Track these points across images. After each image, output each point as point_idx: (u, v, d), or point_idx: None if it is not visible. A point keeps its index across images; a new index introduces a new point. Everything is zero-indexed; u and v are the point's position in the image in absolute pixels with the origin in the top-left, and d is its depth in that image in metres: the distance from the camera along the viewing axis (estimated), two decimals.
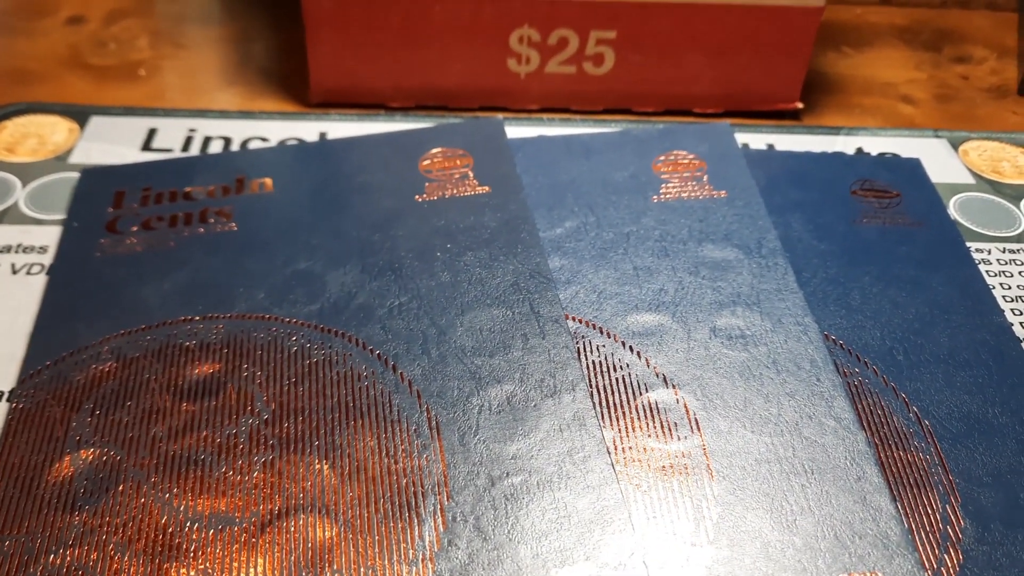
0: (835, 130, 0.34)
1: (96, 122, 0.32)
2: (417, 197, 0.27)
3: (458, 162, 0.29)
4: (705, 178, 0.28)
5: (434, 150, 0.29)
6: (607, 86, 0.34)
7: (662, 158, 0.29)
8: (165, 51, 0.36)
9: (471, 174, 0.28)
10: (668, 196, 0.28)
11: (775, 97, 0.34)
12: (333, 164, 0.28)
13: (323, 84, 0.33)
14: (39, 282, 0.25)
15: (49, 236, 0.27)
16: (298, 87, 0.34)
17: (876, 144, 0.34)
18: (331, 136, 0.32)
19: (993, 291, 0.27)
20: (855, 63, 0.39)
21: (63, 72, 0.35)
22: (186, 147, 0.31)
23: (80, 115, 0.32)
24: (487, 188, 0.27)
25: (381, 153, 0.29)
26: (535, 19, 0.32)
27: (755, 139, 0.33)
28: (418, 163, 0.28)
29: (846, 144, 0.34)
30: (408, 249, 0.25)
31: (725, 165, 0.29)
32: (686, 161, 0.29)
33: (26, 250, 0.26)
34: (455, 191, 0.27)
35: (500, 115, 0.34)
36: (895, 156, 0.33)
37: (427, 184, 0.28)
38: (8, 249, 0.26)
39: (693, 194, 0.28)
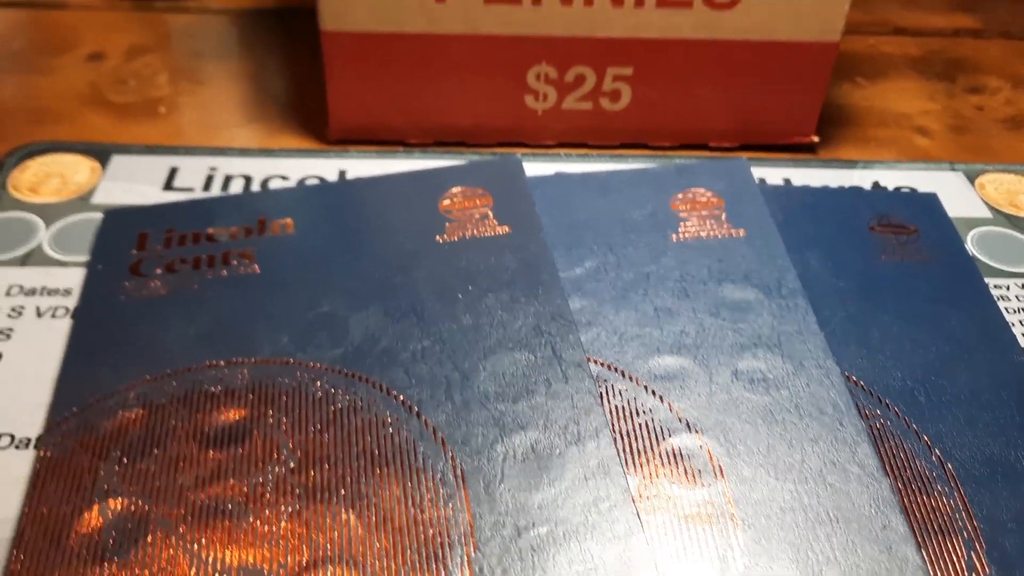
0: (851, 163, 0.34)
1: (118, 161, 0.32)
2: (438, 238, 0.27)
3: (478, 201, 0.29)
4: (723, 216, 0.29)
5: (454, 189, 0.29)
6: (624, 122, 0.34)
7: (680, 196, 0.29)
8: (184, 87, 0.36)
9: (491, 214, 0.28)
10: (687, 235, 0.28)
11: (791, 131, 0.35)
12: (354, 204, 0.28)
13: (342, 122, 0.33)
14: (64, 326, 0.25)
15: (73, 278, 0.27)
16: (317, 123, 0.35)
17: (892, 178, 0.34)
18: (351, 174, 0.32)
19: (1012, 328, 0.27)
20: (870, 94, 0.39)
21: (84, 110, 0.35)
22: (207, 186, 0.31)
23: (102, 154, 0.32)
24: (507, 228, 0.27)
25: (401, 193, 0.29)
26: (552, 56, 0.32)
27: (772, 173, 0.33)
28: (438, 203, 0.29)
29: (863, 178, 0.34)
30: (430, 291, 0.25)
31: (743, 203, 0.29)
32: (704, 199, 0.29)
33: (50, 293, 0.27)
34: (475, 231, 0.27)
35: (518, 151, 0.34)
36: (912, 190, 0.33)
37: (447, 224, 0.28)
38: (33, 292, 0.27)
39: (712, 233, 0.28)
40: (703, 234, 0.28)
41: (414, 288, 0.25)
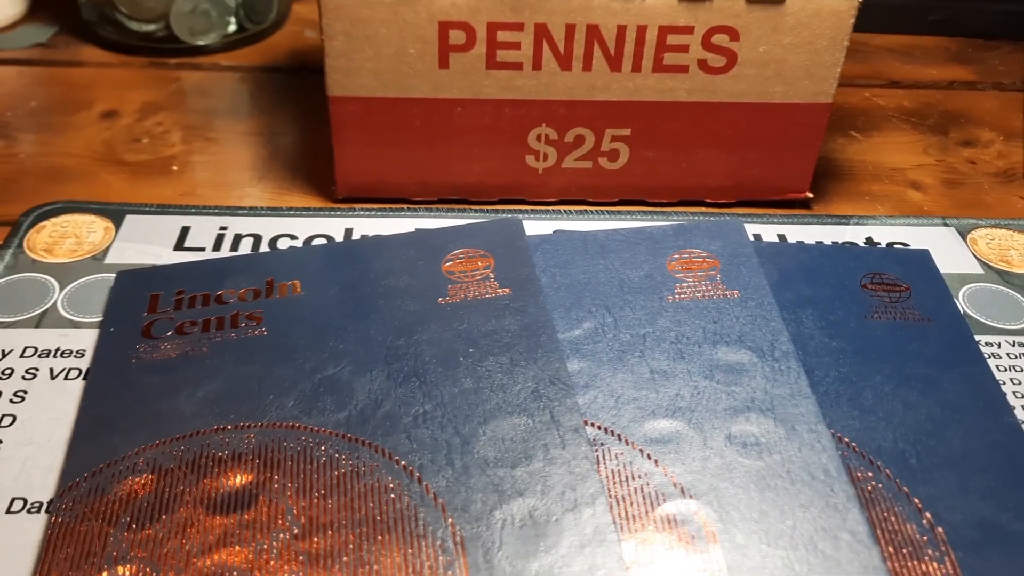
0: (845, 219, 0.35)
1: (131, 221, 0.33)
2: (440, 300, 0.28)
3: (479, 263, 0.30)
4: (718, 277, 0.29)
5: (456, 251, 0.30)
6: (622, 180, 0.35)
7: (676, 256, 0.30)
8: (196, 145, 0.38)
9: (492, 275, 0.29)
10: (683, 296, 0.29)
11: (786, 188, 0.35)
12: (359, 266, 0.29)
13: (349, 181, 0.34)
14: (76, 388, 0.26)
15: (86, 339, 0.28)
16: (325, 180, 0.36)
17: (886, 233, 0.34)
18: (357, 233, 0.33)
19: (1004, 387, 0.28)
20: (864, 148, 0.40)
21: (98, 169, 0.36)
22: (218, 245, 0.32)
23: (115, 214, 0.33)
24: (507, 290, 0.28)
25: (405, 254, 0.30)
26: (552, 119, 0.33)
27: (767, 230, 0.34)
28: (441, 264, 0.29)
29: (856, 233, 0.34)
30: (432, 354, 0.26)
31: (737, 264, 0.30)
32: (700, 259, 0.30)
33: (64, 354, 0.27)
34: (477, 293, 0.28)
35: (519, 207, 0.35)
36: (904, 247, 0.33)
37: (450, 286, 0.29)
38: (47, 353, 0.27)
39: (707, 294, 0.28)
40: (698, 295, 0.29)
41: (417, 351, 0.26)
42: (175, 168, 0.36)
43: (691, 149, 0.34)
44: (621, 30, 0.31)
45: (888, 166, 0.39)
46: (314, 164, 0.37)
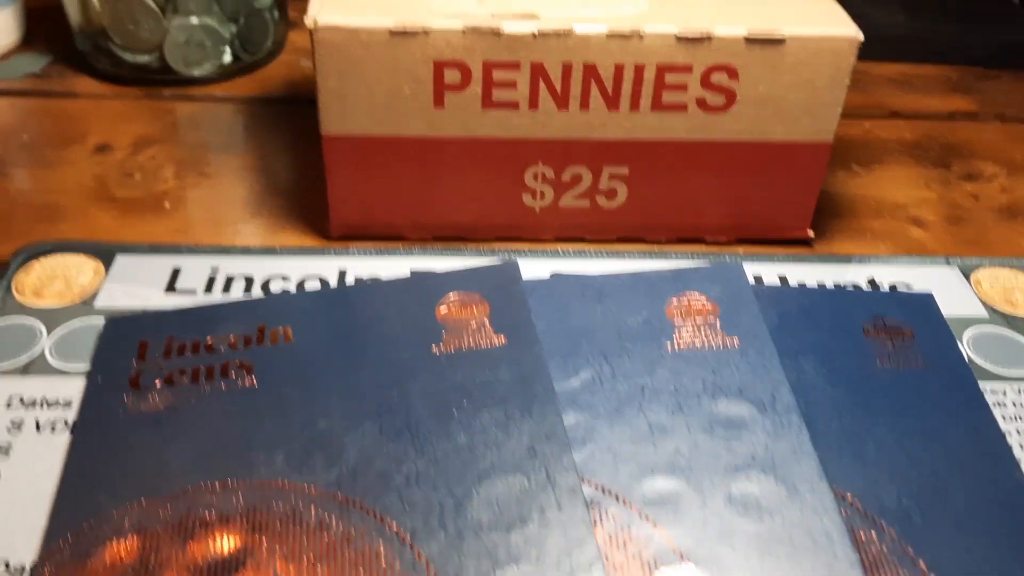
0: (846, 259, 0.34)
1: (121, 261, 0.32)
2: (434, 348, 0.27)
3: (475, 309, 0.29)
4: (718, 324, 0.29)
5: (451, 296, 0.29)
6: (620, 218, 0.34)
7: (675, 301, 0.30)
8: (189, 180, 0.37)
9: (487, 322, 0.28)
10: (682, 344, 0.28)
11: (786, 226, 0.35)
12: (352, 311, 0.29)
13: (342, 220, 0.34)
14: (62, 441, 0.26)
15: (73, 389, 0.27)
16: (319, 216, 0.35)
17: (888, 273, 0.34)
18: (351, 273, 0.32)
19: (1009, 438, 0.27)
20: (865, 182, 0.39)
21: (90, 206, 0.36)
22: (209, 287, 0.31)
23: (106, 254, 0.33)
24: (503, 339, 0.28)
25: (399, 299, 0.29)
26: (549, 158, 0.33)
27: (767, 270, 0.34)
28: (435, 309, 0.29)
29: (858, 273, 0.34)
30: (425, 407, 0.25)
31: (737, 309, 0.29)
32: (699, 305, 0.29)
33: (50, 405, 0.27)
34: (471, 342, 0.28)
35: (516, 246, 0.34)
36: (907, 289, 0.33)
37: (444, 333, 0.28)
38: (33, 404, 0.27)
39: (706, 342, 0.28)
40: (697, 343, 0.28)
41: (410, 403, 0.25)
42: (167, 205, 0.36)
43: (690, 187, 0.34)
44: (619, 69, 0.31)
45: (890, 201, 0.38)
46: (309, 198, 0.36)
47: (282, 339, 0.28)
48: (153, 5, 0.40)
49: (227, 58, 0.43)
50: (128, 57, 0.42)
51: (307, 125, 0.41)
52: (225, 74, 0.44)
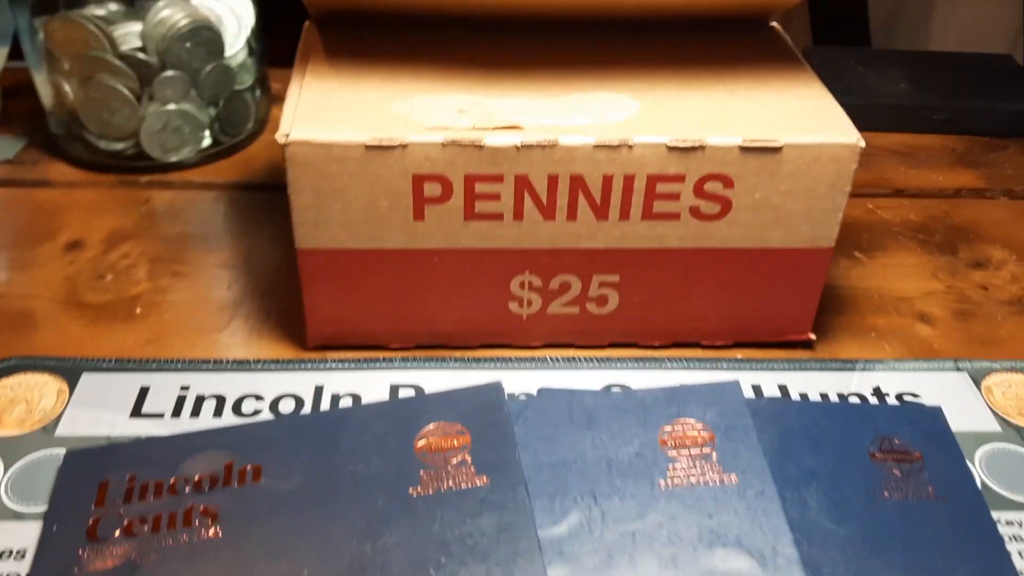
0: (850, 364, 0.33)
1: (87, 380, 0.31)
2: (411, 490, 0.26)
3: (455, 440, 0.27)
4: (714, 456, 0.27)
5: (430, 426, 0.28)
6: (612, 324, 0.33)
7: (668, 428, 0.28)
8: (163, 282, 0.36)
9: (469, 459, 0.27)
10: (676, 481, 0.26)
11: (786, 330, 0.33)
12: (326, 445, 0.27)
13: (320, 331, 0.32)
14: None
15: (29, 536, 0.25)
16: (297, 323, 0.33)
17: (894, 381, 0.32)
18: (328, 390, 0.31)
19: None
20: (868, 272, 0.38)
21: (59, 313, 0.34)
22: (178, 409, 0.30)
23: (71, 372, 0.31)
24: (485, 479, 0.26)
25: (376, 429, 0.28)
26: (536, 267, 0.31)
27: (766, 379, 0.32)
28: (414, 442, 0.27)
29: (862, 382, 0.32)
30: (401, 563, 0.24)
31: (735, 439, 0.27)
32: (695, 432, 0.28)
33: (4, 555, 0.25)
34: (452, 483, 0.26)
35: (501, 353, 0.33)
36: (915, 398, 0.31)
37: (422, 472, 0.26)
38: None
39: (702, 479, 0.26)
40: (692, 479, 0.26)
41: (385, 559, 0.24)
42: (139, 311, 0.34)
43: (685, 294, 0.32)
44: (607, 180, 0.29)
45: (895, 295, 0.37)
46: (288, 300, 0.35)
47: (250, 478, 0.26)
48: (128, 93, 0.39)
49: (206, 142, 0.42)
50: (103, 144, 0.41)
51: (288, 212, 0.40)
52: (205, 158, 0.42)
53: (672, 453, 0.27)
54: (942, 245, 0.39)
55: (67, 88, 0.39)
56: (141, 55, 0.38)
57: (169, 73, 0.39)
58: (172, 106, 0.40)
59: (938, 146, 0.46)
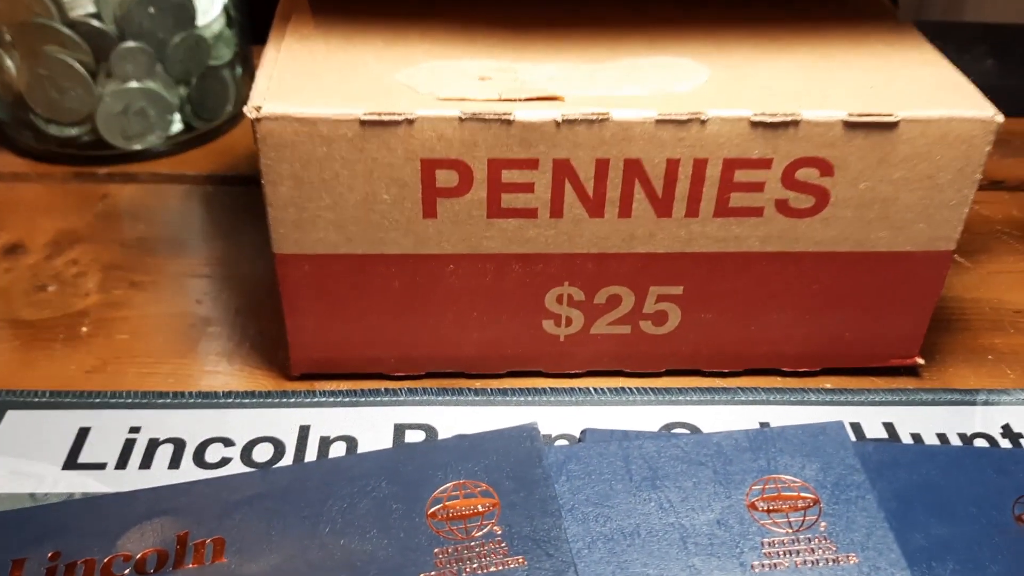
0: (970, 395, 0.26)
1: (12, 419, 0.24)
2: None
3: (479, 506, 0.21)
4: (822, 527, 0.21)
5: (447, 484, 0.21)
6: (670, 347, 0.26)
7: (758, 487, 0.22)
8: (116, 295, 0.29)
9: (498, 531, 0.20)
10: (775, 561, 0.20)
11: (888, 354, 0.27)
12: (311, 511, 0.21)
13: (306, 355, 0.26)
14: None
15: None
16: (279, 346, 0.27)
17: None
18: (315, 431, 0.24)
19: None
20: (975, 281, 0.31)
21: None
22: (124, 459, 0.23)
23: None
24: (521, 560, 0.20)
25: (375, 491, 0.21)
26: (578, 277, 0.25)
27: (867, 416, 0.25)
28: (425, 508, 0.21)
29: (987, 419, 0.26)
30: None
31: (847, 502, 0.21)
32: (791, 493, 0.21)
33: None
34: (476, 565, 0.20)
35: (533, 382, 0.26)
36: None
37: (436, 551, 0.20)
38: None
39: (810, 559, 0.20)
40: (797, 559, 0.20)
41: None
42: (85, 329, 0.28)
43: (763, 310, 0.26)
44: (672, 166, 0.23)
45: (1009, 307, 0.30)
46: (270, 316, 0.28)
47: (209, 557, 0.20)
48: (81, 69, 0.32)
49: (176, 127, 0.36)
50: (54, 130, 0.34)
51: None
52: (175, 146, 0.36)
53: (766, 522, 0.21)
54: None
55: (9, 63, 0.33)
56: (95, 22, 0.32)
57: (129, 44, 0.33)
58: (134, 84, 0.33)
59: None
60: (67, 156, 0.35)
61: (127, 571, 0.20)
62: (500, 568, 0.19)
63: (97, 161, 0.35)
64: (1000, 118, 0.23)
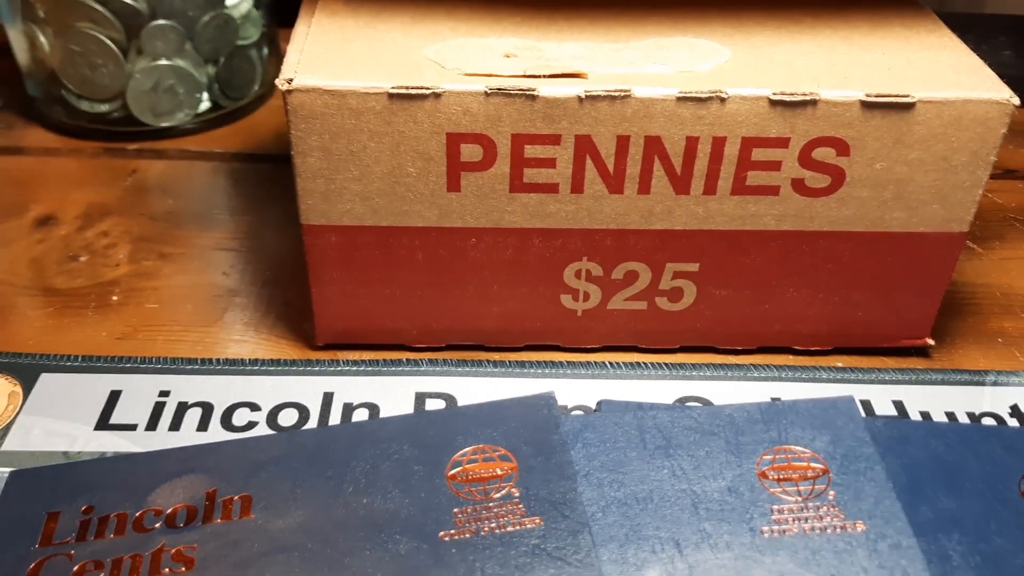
0: (979, 376, 0.27)
1: (46, 381, 0.25)
2: (443, 534, 0.20)
3: (497, 468, 0.22)
4: (831, 495, 0.21)
5: (466, 448, 0.22)
6: (686, 323, 0.27)
7: (768, 457, 0.22)
8: (146, 265, 0.30)
9: (515, 493, 0.21)
10: (783, 527, 0.20)
11: (899, 334, 0.27)
12: (334, 472, 0.22)
13: (331, 326, 0.27)
14: None
15: None
16: (304, 317, 0.28)
17: None
18: (338, 397, 0.25)
19: None
20: (986, 267, 0.32)
21: (20, 300, 0.28)
22: (154, 421, 0.24)
23: (27, 371, 0.25)
24: (538, 520, 0.20)
25: (397, 453, 0.22)
26: (596, 252, 0.25)
27: (877, 394, 0.26)
28: (445, 470, 0.22)
29: (995, 399, 0.26)
30: None
31: (855, 472, 0.22)
32: (801, 463, 0.22)
33: None
34: (494, 524, 0.20)
35: (551, 356, 0.27)
36: None
37: (456, 510, 0.21)
38: None
39: (818, 525, 0.20)
40: (806, 526, 0.20)
41: None
42: (115, 298, 0.29)
43: (778, 288, 0.26)
44: (691, 143, 0.23)
45: (1020, 292, 0.30)
46: (294, 289, 0.29)
47: (237, 512, 0.21)
48: (112, 45, 0.33)
49: (204, 105, 0.36)
50: (85, 106, 0.35)
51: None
52: (203, 124, 0.37)
53: (776, 491, 0.21)
54: None
55: (43, 40, 0.34)
56: (127, 0, 0.33)
57: (160, 22, 0.33)
58: (164, 61, 0.34)
59: None
60: (98, 132, 0.36)
61: (158, 525, 0.21)
62: (517, 528, 0.20)
63: (127, 137, 0.36)
64: (1016, 100, 0.23)
